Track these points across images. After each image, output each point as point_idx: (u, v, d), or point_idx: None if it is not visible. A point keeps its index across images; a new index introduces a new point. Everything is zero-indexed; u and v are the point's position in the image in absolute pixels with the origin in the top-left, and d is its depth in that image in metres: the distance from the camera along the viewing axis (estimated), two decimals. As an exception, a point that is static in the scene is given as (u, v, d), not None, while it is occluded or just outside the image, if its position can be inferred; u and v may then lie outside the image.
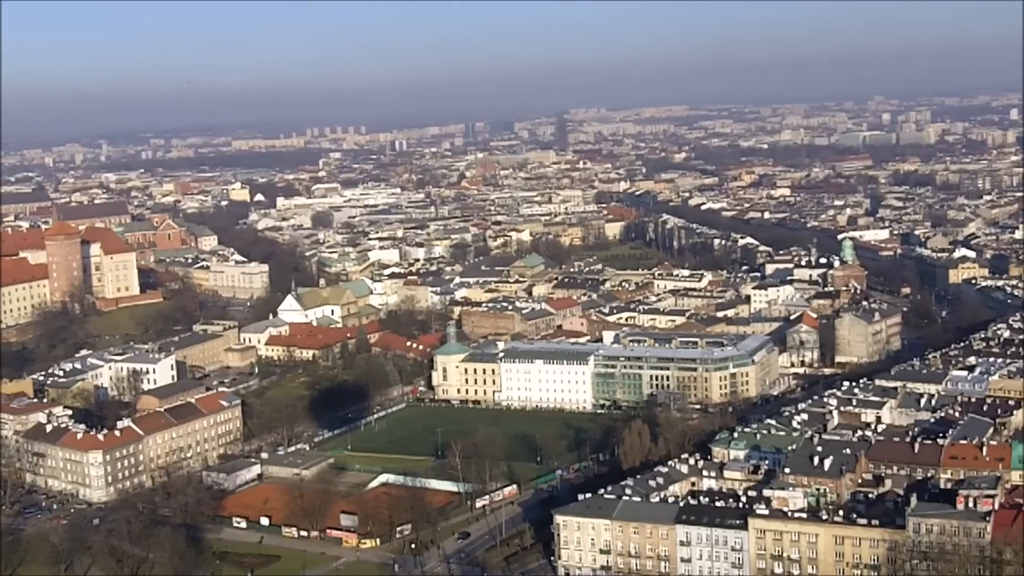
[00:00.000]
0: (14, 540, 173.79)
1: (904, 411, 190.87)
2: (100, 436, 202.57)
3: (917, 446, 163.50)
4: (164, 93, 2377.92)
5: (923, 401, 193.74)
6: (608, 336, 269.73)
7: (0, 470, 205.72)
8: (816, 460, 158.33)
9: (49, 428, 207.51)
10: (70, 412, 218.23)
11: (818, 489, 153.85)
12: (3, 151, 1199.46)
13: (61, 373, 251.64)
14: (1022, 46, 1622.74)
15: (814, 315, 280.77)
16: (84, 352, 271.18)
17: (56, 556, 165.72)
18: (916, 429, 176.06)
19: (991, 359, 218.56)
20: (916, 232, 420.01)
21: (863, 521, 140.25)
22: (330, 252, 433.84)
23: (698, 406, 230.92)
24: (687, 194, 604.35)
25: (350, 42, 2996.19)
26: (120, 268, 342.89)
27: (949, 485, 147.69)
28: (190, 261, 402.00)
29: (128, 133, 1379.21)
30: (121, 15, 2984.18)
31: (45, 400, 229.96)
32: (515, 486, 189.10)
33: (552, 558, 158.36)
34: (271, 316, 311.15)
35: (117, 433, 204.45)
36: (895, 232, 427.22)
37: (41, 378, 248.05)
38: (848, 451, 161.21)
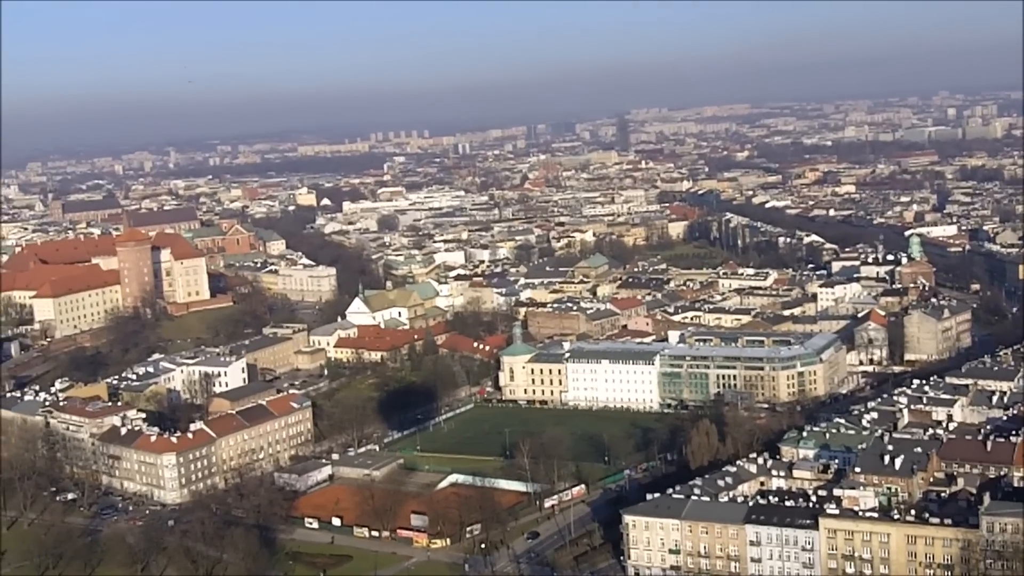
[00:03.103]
0: (92, 541, 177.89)
1: (976, 409, 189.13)
2: (173, 439, 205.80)
3: (989, 444, 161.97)
4: (230, 100, 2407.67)
5: (995, 399, 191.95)
6: (673, 336, 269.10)
7: (77, 472, 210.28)
8: (887, 459, 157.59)
9: (124, 431, 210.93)
10: (143, 415, 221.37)
11: (889, 488, 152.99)
12: (73, 160, 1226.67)
13: (134, 377, 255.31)
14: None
15: (882, 312, 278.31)
16: (156, 356, 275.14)
17: (132, 557, 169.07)
18: (988, 427, 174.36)
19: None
20: (984, 228, 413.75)
21: (935, 520, 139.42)
22: (396, 255, 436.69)
23: (765, 405, 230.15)
24: (750, 192, 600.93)
25: (412, 47, 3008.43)
26: (190, 273, 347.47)
27: (1023, 484, 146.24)
28: (259, 265, 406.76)
29: (195, 140, 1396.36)
30: (187, 23, 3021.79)
31: (119, 403, 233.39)
32: (583, 486, 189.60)
33: (621, 558, 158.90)
34: (339, 319, 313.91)
35: (190, 435, 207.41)
36: (963, 228, 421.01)
37: (115, 382, 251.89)
38: (919, 450, 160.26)
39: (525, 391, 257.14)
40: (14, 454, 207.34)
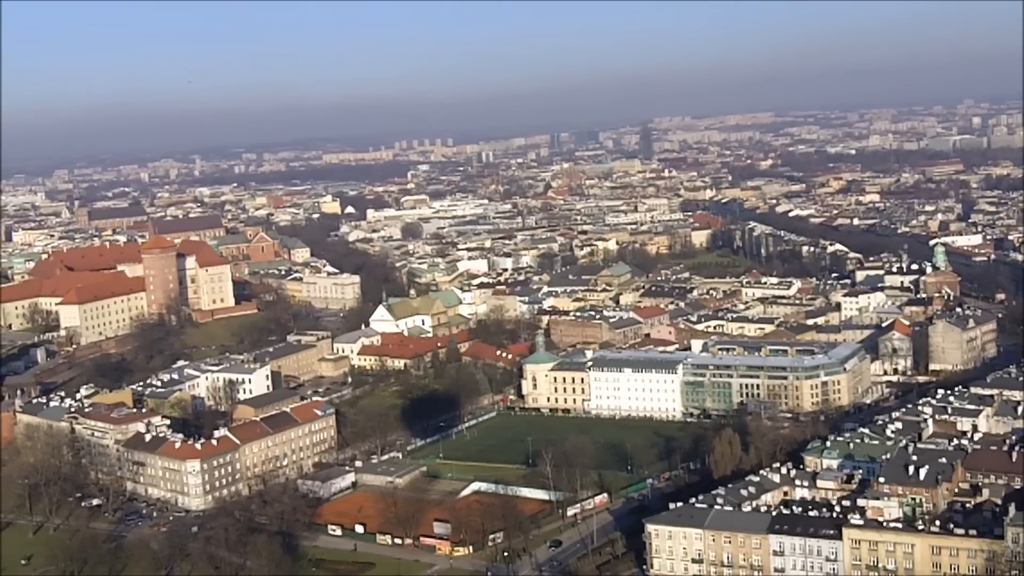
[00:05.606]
0: (116, 546, 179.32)
1: (1001, 419, 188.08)
2: (197, 445, 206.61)
3: (1015, 455, 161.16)
4: (255, 109, 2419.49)
5: (1020, 409, 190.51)
6: (696, 344, 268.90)
7: (102, 478, 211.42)
8: (911, 469, 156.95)
9: (148, 437, 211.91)
10: (168, 422, 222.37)
11: (914, 499, 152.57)
12: (99, 167, 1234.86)
13: (159, 384, 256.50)
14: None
15: (906, 322, 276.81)
16: (181, 363, 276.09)
17: (156, 562, 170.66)
18: (1013, 437, 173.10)
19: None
20: (1010, 237, 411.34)
21: (960, 531, 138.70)
22: (420, 263, 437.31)
23: (789, 415, 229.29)
24: (774, 201, 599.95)
25: (436, 56, 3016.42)
26: (215, 280, 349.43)
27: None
28: (283, 273, 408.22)
29: (221, 148, 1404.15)
30: (212, 32, 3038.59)
31: (144, 410, 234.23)
32: (606, 495, 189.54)
33: (644, 567, 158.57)
34: (363, 326, 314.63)
35: (214, 442, 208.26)
36: (988, 237, 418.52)
37: (140, 389, 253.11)
38: (944, 460, 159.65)
39: (548, 399, 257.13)
40: (40, 460, 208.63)
